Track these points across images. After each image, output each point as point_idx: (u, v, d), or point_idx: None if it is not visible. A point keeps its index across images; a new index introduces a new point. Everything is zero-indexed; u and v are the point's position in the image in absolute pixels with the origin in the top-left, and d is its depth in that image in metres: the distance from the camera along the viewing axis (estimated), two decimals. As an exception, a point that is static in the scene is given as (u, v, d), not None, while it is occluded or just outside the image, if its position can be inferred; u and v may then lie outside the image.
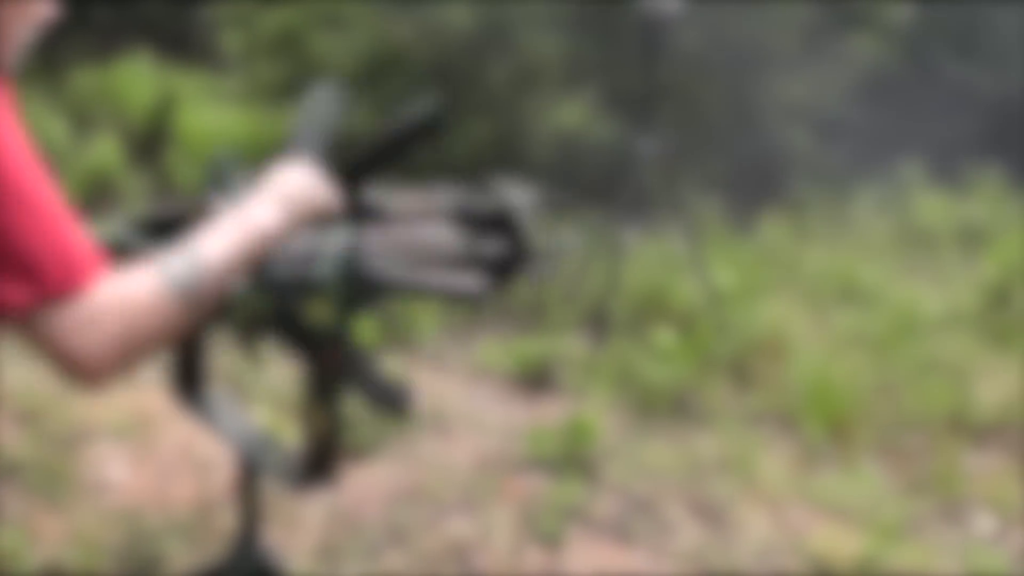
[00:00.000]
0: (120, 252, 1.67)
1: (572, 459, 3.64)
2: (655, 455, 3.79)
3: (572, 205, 6.11)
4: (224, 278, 1.29)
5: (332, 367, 1.64)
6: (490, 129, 6.65)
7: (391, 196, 1.88)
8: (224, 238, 1.30)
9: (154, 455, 3.38)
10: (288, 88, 6.48)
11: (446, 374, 4.60)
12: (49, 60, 7.27)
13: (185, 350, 1.83)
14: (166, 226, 1.65)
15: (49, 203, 1.18)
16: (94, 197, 5.84)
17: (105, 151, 6.32)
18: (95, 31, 7.79)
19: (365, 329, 4.58)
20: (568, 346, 4.61)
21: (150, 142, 6.67)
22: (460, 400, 4.27)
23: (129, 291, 1.20)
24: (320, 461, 1.67)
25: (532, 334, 4.80)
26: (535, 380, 4.46)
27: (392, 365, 4.37)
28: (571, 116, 6.43)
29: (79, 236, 1.20)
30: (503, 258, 1.83)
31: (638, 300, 4.93)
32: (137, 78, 7.12)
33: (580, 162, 6.61)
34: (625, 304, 4.88)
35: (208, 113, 6.97)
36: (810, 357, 4.43)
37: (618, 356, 4.51)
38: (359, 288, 1.64)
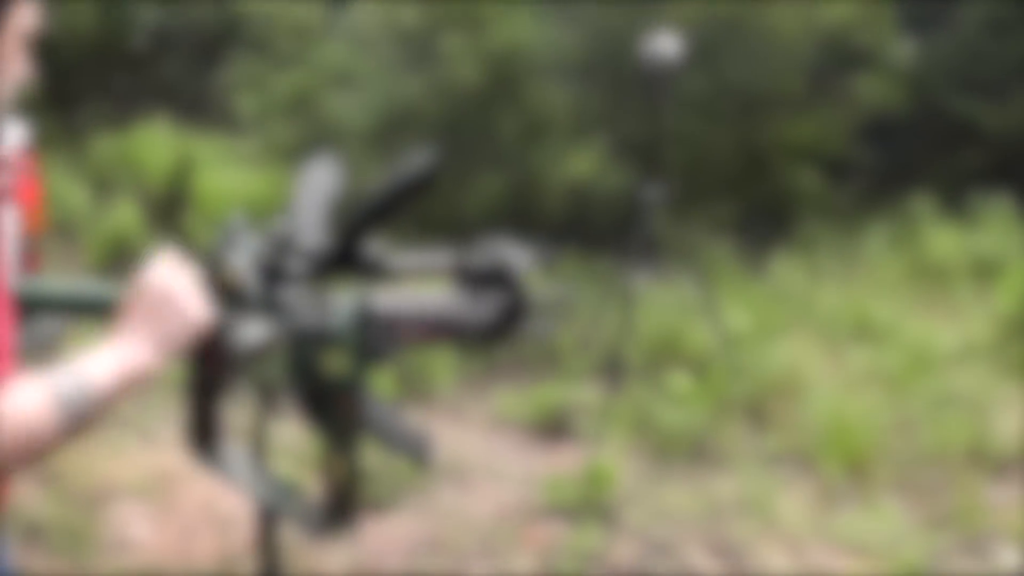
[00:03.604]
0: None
1: (590, 505, 3.66)
2: (673, 498, 3.81)
3: (583, 254, 6.17)
4: (105, 406, 1.30)
5: (349, 417, 1.69)
6: (502, 182, 6.74)
7: (393, 255, 1.95)
8: (109, 368, 1.31)
9: (175, 512, 3.42)
10: (303, 148, 6.59)
11: (464, 424, 4.64)
12: (70, 127, 7.44)
13: (200, 405, 1.88)
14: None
15: None
16: (114, 260, 5.94)
17: (125, 215, 6.43)
18: (115, 98, 7.96)
19: (382, 381, 4.64)
20: (584, 393, 4.64)
21: (169, 205, 6.79)
22: (478, 450, 4.30)
23: (18, 407, 1.20)
24: (340, 509, 1.71)
25: (548, 382, 4.83)
26: (552, 428, 4.49)
27: (410, 416, 4.42)
28: (582, 166, 6.51)
29: None
30: (501, 314, 1.89)
31: (652, 345, 4.97)
32: (155, 142, 7.26)
33: (592, 211, 6.68)
34: (639, 349, 4.91)
35: (225, 175, 7.10)
36: (826, 396, 4.44)
37: (634, 401, 4.54)
38: (373, 340, 1.70)
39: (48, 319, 2.93)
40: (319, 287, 1.78)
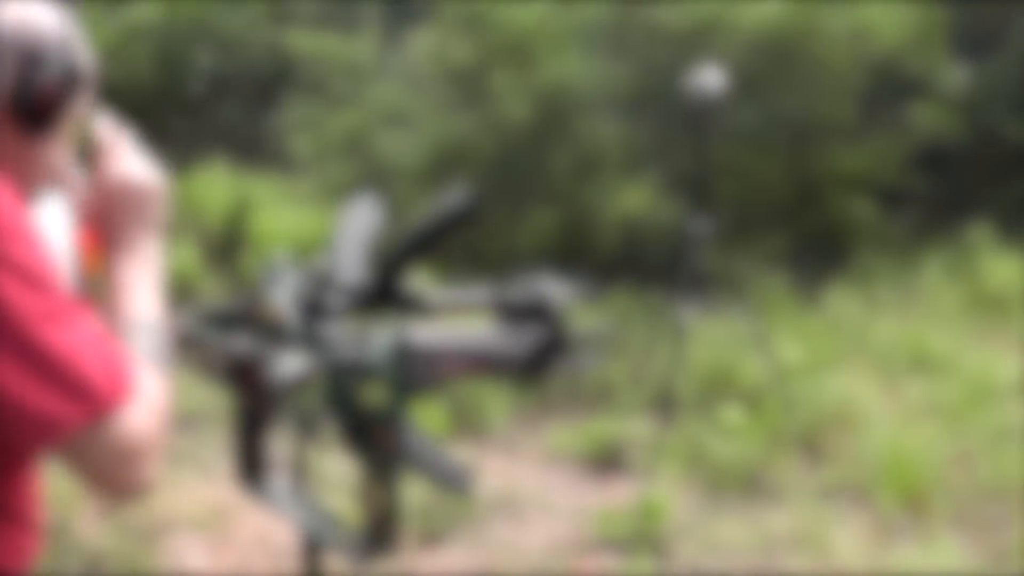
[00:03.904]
0: (189, 344, 1.79)
1: (642, 538, 3.64)
2: (726, 532, 3.78)
3: (636, 288, 6.17)
4: (165, 323, 1.29)
5: (387, 448, 1.73)
6: (554, 217, 6.78)
7: (432, 290, 1.99)
8: (148, 292, 1.28)
9: (231, 544, 3.47)
10: (357, 187, 6.70)
11: (517, 459, 4.65)
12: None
13: (246, 439, 1.93)
14: (229, 320, 1.77)
15: (89, 325, 1.15)
16: (174, 300, 6.06)
17: (184, 255, 6.57)
18: (174, 142, 8.15)
19: (434, 416, 4.67)
20: (636, 427, 4.62)
21: (227, 245, 6.92)
22: (531, 484, 4.31)
23: (144, 396, 1.18)
24: (381, 537, 1.74)
25: (601, 416, 4.83)
26: (605, 462, 4.48)
27: (462, 452, 4.45)
28: (634, 201, 6.52)
29: (118, 350, 1.17)
30: (539, 348, 1.92)
31: (705, 379, 4.95)
32: (213, 185, 7.42)
33: (644, 245, 6.69)
34: (692, 383, 4.89)
35: (282, 214, 7.22)
36: (882, 428, 4.38)
37: (687, 435, 4.52)
38: (411, 374, 1.73)
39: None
40: (359, 322, 1.82)
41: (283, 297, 1.72)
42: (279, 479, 1.98)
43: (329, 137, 7.23)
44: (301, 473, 1.93)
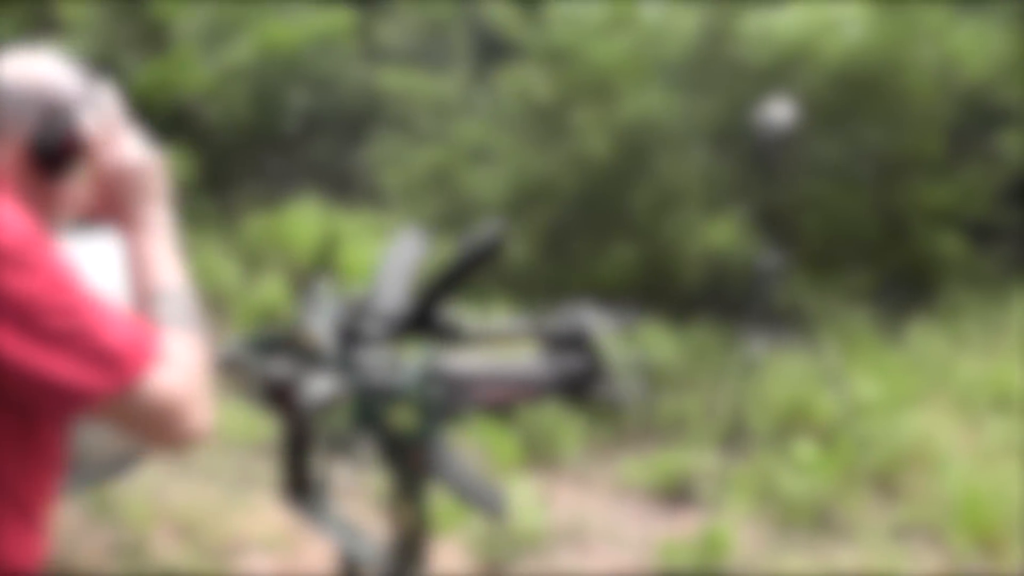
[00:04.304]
0: (232, 368, 1.90)
1: (706, 571, 3.64)
2: (794, 567, 3.75)
3: (718, 322, 6.15)
4: (187, 288, 1.38)
5: (417, 468, 1.80)
6: (635, 251, 6.80)
7: (472, 320, 2.06)
8: (167, 261, 1.38)
9: (300, 564, 3.58)
10: (445, 221, 6.82)
11: (588, 489, 4.68)
12: (225, 207, 7.91)
13: (291, 460, 2.02)
14: (270, 345, 1.87)
15: (108, 307, 1.27)
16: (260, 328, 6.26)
17: (272, 288, 6.78)
18: (267, 178, 8.43)
19: (506, 447, 4.74)
20: (707, 460, 4.61)
21: (315, 277, 7.11)
22: (600, 514, 4.34)
23: (175, 357, 1.29)
24: (408, 552, 1.81)
25: (673, 449, 4.83)
26: (674, 495, 4.48)
27: (534, 483, 4.50)
28: (718, 236, 6.49)
29: (138, 324, 1.28)
30: (579, 375, 1.97)
31: (780, 413, 4.91)
32: (303, 220, 7.63)
33: (727, 280, 6.66)
34: (766, 417, 4.87)
35: (370, 248, 7.39)
36: (959, 468, 4.29)
37: (759, 469, 4.49)
38: (444, 398, 1.81)
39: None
40: (395, 349, 1.90)
41: (321, 324, 1.81)
42: (324, 497, 2.07)
43: (415, 172, 7.39)
44: (327, 491, 2.01)
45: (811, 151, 6.73)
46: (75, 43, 7.51)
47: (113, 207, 1.39)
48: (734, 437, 4.63)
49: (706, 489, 4.41)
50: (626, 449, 5.04)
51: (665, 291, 6.68)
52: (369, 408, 1.72)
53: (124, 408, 1.24)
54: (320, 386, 1.69)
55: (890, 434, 4.56)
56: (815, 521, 4.10)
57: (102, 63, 8.09)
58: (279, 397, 1.74)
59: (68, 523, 3.78)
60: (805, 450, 4.46)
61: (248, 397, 1.82)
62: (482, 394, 1.90)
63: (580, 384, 2.02)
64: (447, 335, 2.00)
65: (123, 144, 1.40)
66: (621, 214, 6.81)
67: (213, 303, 6.53)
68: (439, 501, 3.65)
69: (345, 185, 8.36)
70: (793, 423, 4.84)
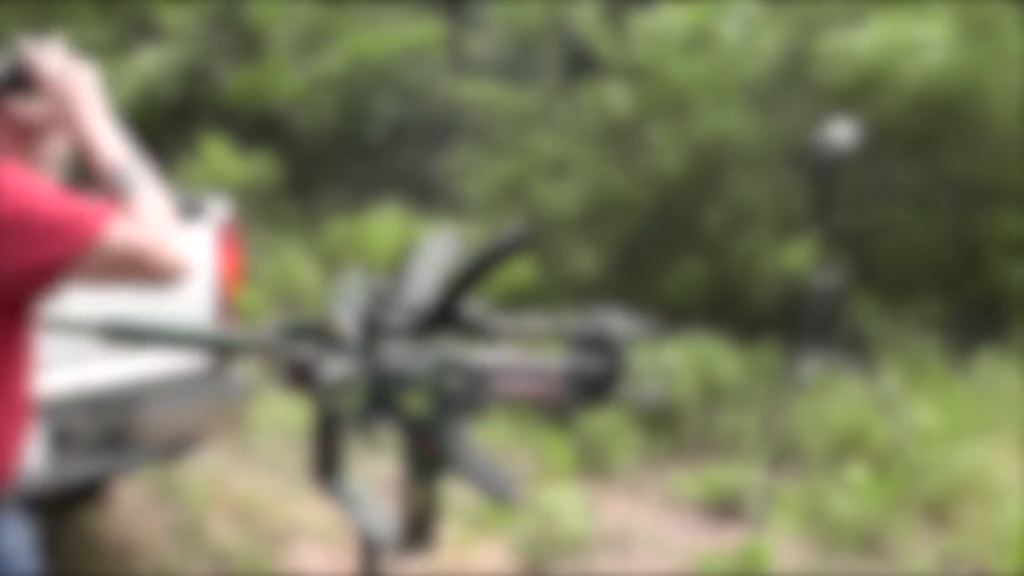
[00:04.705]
0: (266, 352, 2.03)
1: (743, 585, 3.67)
2: (833, 588, 3.76)
3: (787, 341, 6.14)
4: (133, 155, 1.68)
5: (428, 453, 1.91)
6: (706, 269, 6.82)
7: (498, 317, 2.16)
8: (112, 140, 1.68)
9: (349, 552, 3.71)
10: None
11: (638, 499, 4.74)
12: (309, 212, 8.16)
13: (320, 441, 2.15)
14: (301, 332, 2.00)
15: (55, 192, 1.63)
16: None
17: (348, 290, 6.98)
18: (352, 185, 8.66)
19: (561, 454, 4.82)
20: (758, 477, 4.63)
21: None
22: (646, 524, 4.39)
23: (136, 212, 1.60)
24: (417, 532, 1.92)
25: (726, 464, 4.86)
26: (723, 509, 4.52)
27: (585, 490, 4.57)
28: (794, 257, 6.46)
29: (86, 199, 1.61)
30: (599, 376, 2.05)
31: (836, 436, 4.91)
32: (384, 226, 7.83)
33: (799, 301, 6.63)
34: (821, 439, 4.87)
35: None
36: (1014, 502, 4.24)
37: (809, 490, 4.50)
38: (462, 389, 1.91)
39: (241, 369, 3.32)
40: (418, 340, 2.01)
41: (347, 313, 1.93)
42: (349, 478, 2.19)
43: (492, 183, 7.52)
44: (348, 470, 2.13)
45: (888, 175, 6.68)
46: (173, 49, 7.86)
47: (61, 115, 1.69)
48: (785, 456, 4.64)
49: (754, 506, 4.43)
50: (680, 462, 5.09)
51: (734, 309, 6.69)
52: (383, 392, 1.84)
53: (98, 261, 1.55)
54: (335, 368, 1.81)
55: (946, 463, 4.53)
56: (861, 545, 4.10)
57: (198, 68, 8.37)
58: (300, 378, 1.87)
59: (131, 501, 3.99)
60: (857, 474, 4.45)
61: (277, 379, 1.96)
62: (500, 387, 1.99)
63: (600, 385, 2.10)
64: (471, 331, 2.10)
65: (51, 63, 1.70)
66: (693, 231, 6.85)
67: (291, 300, 6.75)
68: (483, 505, 3.77)
69: (427, 193, 8.53)
70: (848, 447, 4.83)
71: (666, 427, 5.35)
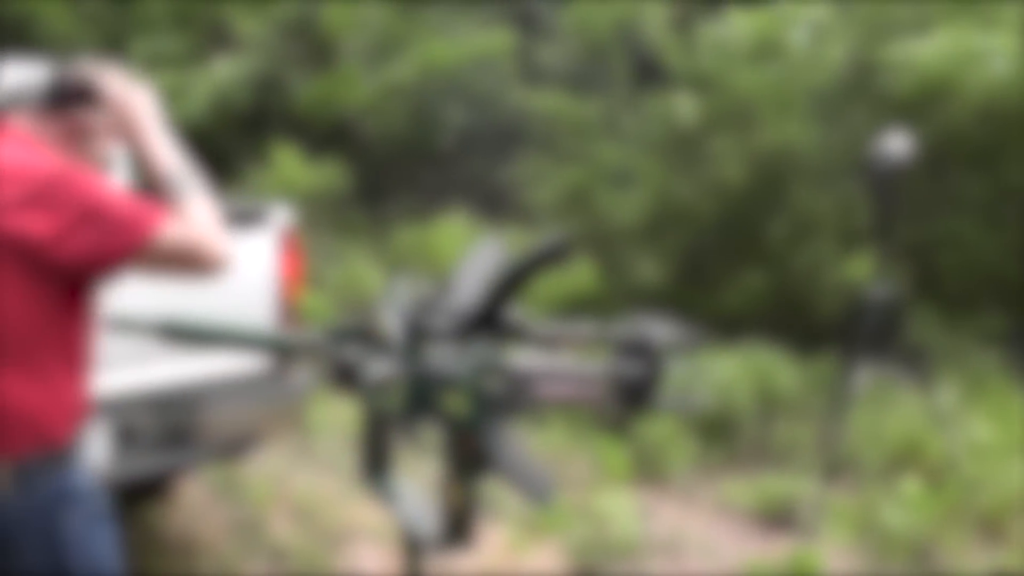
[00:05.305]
0: (315, 354, 2.15)
1: (790, 593, 3.70)
2: (882, 599, 3.77)
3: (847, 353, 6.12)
4: (186, 163, 1.91)
5: (468, 452, 2.00)
6: (769, 280, 6.82)
7: (540, 322, 2.25)
8: (167, 151, 1.91)
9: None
10: (583, 240, 7.00)
11: (691, 506, 4.79)
12: (378, 218, 8.32)
13: (369, 440, 2.25)
14: (348, 335, 2.11)
15: (118, 192, 1.85)
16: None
17: (414, 295, 7.12)
18: (421, 192, 8.80)
19: (617, 461, 4.89)
20: (812, 488, 4.65)
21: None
22: (697, 530, 4.45)
23: (187, 214, 1.83)
24: (457, 529, 2.02)
25: (780, 474, 4.89)
26: (776, 518, 4.55)
27: (639, 496, 4.63)
28: (856, 270, 6.43)
29: (142, 198, 1.84)
30: (638, 382, 2.12)
31: (890, 448, 4.91)
32: (451, 233, 7.94)
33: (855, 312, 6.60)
34: (876, 451, 4.87)
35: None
36: (1071, 517, 4.21)
37: (862, 501, 4.50)
38: (503, 391, 2.00)
39: (300, 374, 3.45)
40: (461, 344, 2.11)
41: (392, 316, 2.04)
42: (397, 476, 2.30)
43: (558, 192, 7.60)
44: (394, 468, 2.22)
45: (952, 187, 6.62)
46: (246, 58, 8.08)
47: (121, 129, 1.92)
48: (839, 467, 4.65)
49: (806, 515, 4.45)
50: (735, 471, 5.12)
51: (795, 320, 6.68)
52: (424, 393, 1.93)
53: (152, 254, 1.79)
54: (378, 368, 1.92)
55: (1001, 478, 4.50)
56: (912, 557, 4.10)
57: (270, 77, 8.54)
58: (346, 379, 1.98)
59: (194, 498, 4.15)
60: (911, 486, 4.45)
61: (325, 379, 2.07)
62: (540, 390, 2.07)
63: (638, 390, 2.16)
64: (514, 335, 2.19)
65: (113, 84, 1.93)
66: (755, 242, 6.86)
67: (358, 306, 6.91)
68: (537, 511, 3.85)
69: (495, 201, 8.64)
70: (903, 459, 4.83)
71: (722, 436, 5.39)
